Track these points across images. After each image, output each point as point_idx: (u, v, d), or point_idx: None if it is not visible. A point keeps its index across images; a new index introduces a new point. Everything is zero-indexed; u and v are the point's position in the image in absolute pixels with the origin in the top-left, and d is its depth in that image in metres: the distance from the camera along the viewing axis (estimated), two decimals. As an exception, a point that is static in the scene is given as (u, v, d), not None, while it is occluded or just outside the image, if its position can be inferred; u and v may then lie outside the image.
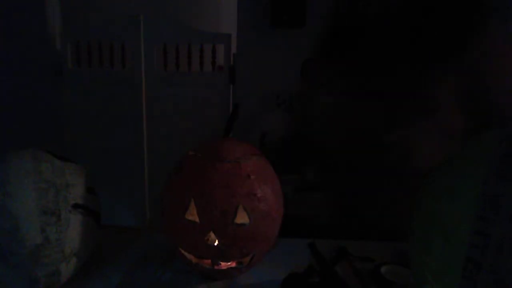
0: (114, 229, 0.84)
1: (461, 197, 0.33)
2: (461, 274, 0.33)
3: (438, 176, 0.37)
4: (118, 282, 0.66)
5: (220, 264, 0.64)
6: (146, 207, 1.96)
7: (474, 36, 0.79)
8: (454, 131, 0.84)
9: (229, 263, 0.64)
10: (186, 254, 0.64)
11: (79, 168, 0.68)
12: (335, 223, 0.89)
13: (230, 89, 1.86)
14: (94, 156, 1.95)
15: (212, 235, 0.59)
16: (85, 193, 0.66)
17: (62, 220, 0.60)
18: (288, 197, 0.68)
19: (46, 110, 2.02)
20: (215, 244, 0.60)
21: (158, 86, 1.91)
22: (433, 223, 0.35)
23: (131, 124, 1.97)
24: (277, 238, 0.68)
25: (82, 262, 0.65)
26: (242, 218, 0.59)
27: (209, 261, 0.63)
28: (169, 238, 0.67)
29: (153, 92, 1.92)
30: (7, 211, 0.57)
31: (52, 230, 0.58)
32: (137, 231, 0.97)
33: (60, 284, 0.62)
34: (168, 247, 0.73)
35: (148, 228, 1.87)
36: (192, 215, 0.60)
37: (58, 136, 2.01)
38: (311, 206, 0.91)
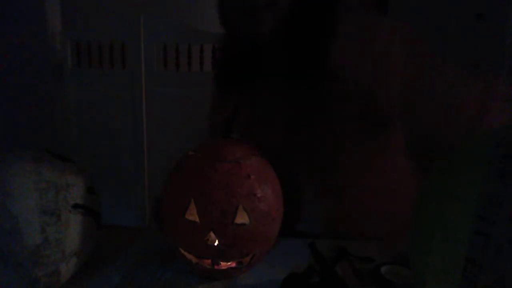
0: (114, 229, 0.84)
1: (461, 198, 0.33)
2: (461, 274, 0.33)
3: (438, 177, 0.37)
4: (118, 282, 0.66)
5: (220, 264, 0.64)
6: (146, 207, 1.96)
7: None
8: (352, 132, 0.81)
9: (229, 263, 0.64)
10: (186, 254, 0.64)
11: (79, 168, 0.68)
12: None
13: (230, 89, 1.85)
14: (94, 156, 1.95)
15: (212, 235, 0.59)
16: (85, 193, 0.66)
17: (62, 220, 0.60)
18: None
19: (46, 110, 2.02)
20: (215, 244, 0.60)
21: (158, 86, 1.91)
22: (433, 223, 0.35)
23: (131, 124, 1.97)
24: (277, 238, 0.68)
25: (82, 262, 0.65)
26: (242, 218, 0.59)
27: (209, 261, 0.63)
28: (169, 238, 0.67)
29: (153, 92, 1.92)
30: (7, 211, 0.57)
31: (52, 230, 0.58)
32: (137, 231, 0.97)
33: (60, 284, 0.62)
34: (168, 247, 0.73)
35: (148, 228, 1.87)
36: (192, 215, 0.60)
37: (58, 136, 2.01)
38: None
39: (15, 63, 2.01)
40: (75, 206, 0.63)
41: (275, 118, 0.85)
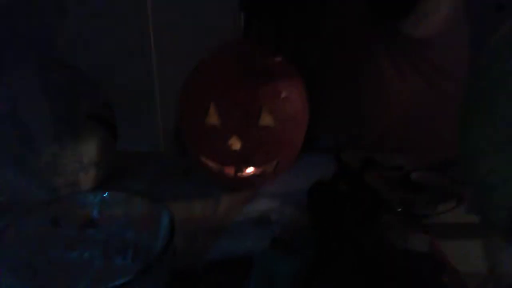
0: (130, 152, 0.81)
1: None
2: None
3: (503, 39, 0.32)
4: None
5: (244, 171, 0.61)
6: (161, 136, 1.94)
7: None
8: None
9: (253, 170, 0.61)
10: (208, 162, 0.61)
11: (92, 80, 0.64)
12: None
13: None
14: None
15: (234, 139, 0.56)
16: (100, 105, 0.63)
17: (77, 129, 0.57)
18: None
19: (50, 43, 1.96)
20: (238, 148, 0.57)
21: (165, 8, 1.82)
22: (496, 86, 0.30)
23: (140, 51, 1.91)
24: (301, 148, 0.65)
25: (102, 174, 0.63)
26: (266, 120, 0.56)
27: (232, 168, 0.60)
28: (190, 147, 0.63)
29: (161, 15, 1.84)
30: (17, 118, 0.54)
31: (67, 138, 0.56)
32: (155, 153, 0.95)
33: (80, 194, 0.60)
34: (188, 164, 0.71)
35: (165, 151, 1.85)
36: (213, 119, 0.56)
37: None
38: None
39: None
40: (90, 115, 0.59)
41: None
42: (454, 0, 0.72)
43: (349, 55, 0.76)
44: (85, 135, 0.58)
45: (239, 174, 0.61)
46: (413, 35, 0.68)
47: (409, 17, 0.64)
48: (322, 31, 0.77)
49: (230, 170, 0.61)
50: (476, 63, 0.34)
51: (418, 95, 0.76)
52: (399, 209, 0.55)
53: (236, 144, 0.56)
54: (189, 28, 1.82)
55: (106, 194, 0.47)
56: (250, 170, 0.61)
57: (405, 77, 0.74)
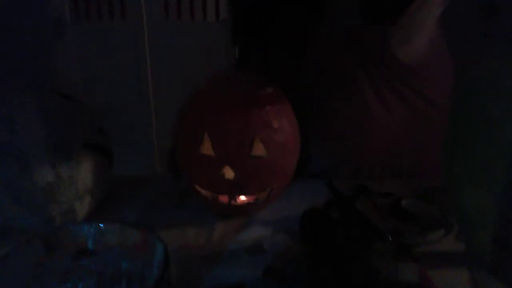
0: (125, 177, 0.82)
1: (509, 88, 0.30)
2: (506, 178, 0.30)
3: (480, 73, 0.34)
4: (135, 221, 0.65)
5: (237, 199, 0.62)
6: (156, 158, 1.95)
7: None
8: None
9: (246, 199, 0.62)
10: (202, 191, 0.62)
11: (87, 107, 0.65)
12: None
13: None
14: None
15: (228, 168, 0.57)
16: (96, 132, 0.64)
17: (73, 157, 0.58)
18: None
19: (48, 70, 1.97)
20: (232, 178, 0.58)
21: (161, 37, 1.86)
22: (475, 120, 0.32)
23: (136, 78, 1.93)
24: (294, 174, 0.66)
25: (97, 201, 0.64)
26: (258, 150, 0.57)
27: (226, 197, 0.61)
28: (184, 176, 0.65)
29: (157, 44, 1.87)
30: (16, 149, 0.55)
31: (63, 167, 0.57)
32: (150, 177, 0.95)
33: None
34: (182, 189, 0.72)
35: (160, 174, 1.86)
36: (207, 149, 0.58)
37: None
38: None
39: (15, 23, 1.94)
40: (86, 144, 0.61)
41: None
42: (437, 24, 0.74)
43: (335, 84, 0.78)
44: (80, 163, 0.59)
45: (233, 202, 0.62)
46: (397, 55, 0.70)
47: (399, 19, 0.65)
48: (309, 61, 0.80)
49: (224, 198, 0.62)
50: (456, 97, 0.36)
51: (403, 122, 0.78)
52: (390, 238, 0.56)
53: (229, 173, 0.57)
54: (185, 57, 1.85)
55: (101, 225, 0.48)
56: (243, 198, 0.62)
57: (389, 105, 0.76)
